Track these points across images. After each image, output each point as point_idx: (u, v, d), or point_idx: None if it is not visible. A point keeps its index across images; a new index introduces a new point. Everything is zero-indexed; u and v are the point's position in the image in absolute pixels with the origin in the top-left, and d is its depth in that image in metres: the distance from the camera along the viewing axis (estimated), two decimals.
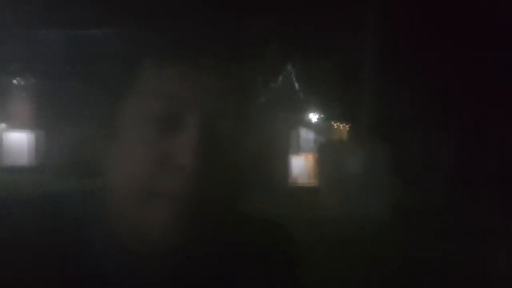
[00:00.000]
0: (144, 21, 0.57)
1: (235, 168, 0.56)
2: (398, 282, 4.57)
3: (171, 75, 0.54)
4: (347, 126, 21.33)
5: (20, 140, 13.28)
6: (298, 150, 17.51)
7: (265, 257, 0.64)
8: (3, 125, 13.95)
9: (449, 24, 12.78)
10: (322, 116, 19.69)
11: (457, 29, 12.85)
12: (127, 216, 0.56)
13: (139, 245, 0.57)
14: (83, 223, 0.59)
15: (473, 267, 5.07)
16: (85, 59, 0.59)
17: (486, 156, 12.99)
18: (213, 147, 0.54)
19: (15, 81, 13.33)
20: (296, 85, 16.94)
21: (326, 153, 9.34)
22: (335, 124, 21.50)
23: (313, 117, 19.37)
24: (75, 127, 0.62)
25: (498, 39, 12.68)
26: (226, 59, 0.57)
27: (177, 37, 0.56)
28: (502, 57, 12.76)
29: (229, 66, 0.57)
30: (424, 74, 13.43)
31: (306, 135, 19.45)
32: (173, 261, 0.58)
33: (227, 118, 0.56)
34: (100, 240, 0.59)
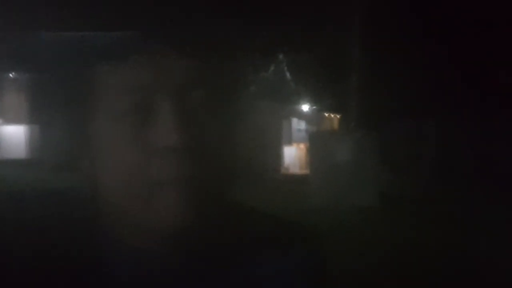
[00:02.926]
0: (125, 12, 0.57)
1: (224, 157, 0.57)
2: (389, 268, 4.61)
3: (163, 62, 0.55)
4: (338, 116, 21.32)
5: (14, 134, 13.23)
6: (289, 140, 17.50)
7: (256, 245, 0.64)
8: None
9: (436, 15, 12.79)
10: (313, 106, 19.66)
11: (445, 19, 12.87)
12: (125, 207, 0.56)
13: (140, 234, 0.58)
14: (80, 218, 0.59)
15: (461, 255, 5.12)
16: (71, 55, 0.59)
17: (474, 146, 13.06)
18: (201, 134, 0.55)
19: (11, 75, 13.22)
20: (287, 75, 16.89)
21: (317, 143, 9.35)
22: (326, 114, 21.49)
23: (304, 107, 19.34)
24: (63, 122, 0.62)
25: (484, 30, 12.71)
26: (215, 47, 0.57)
27: (166, 23, 0.56)
28: (489, 48, 12.81)
29: (219, 55, 0.58)
30: (413, 64, 13.45)
31: (298, 125, 19.42)
32: (174, 248, 0.59)
33: (215, 106, 0.57)
34: (98, 234, 0.59)
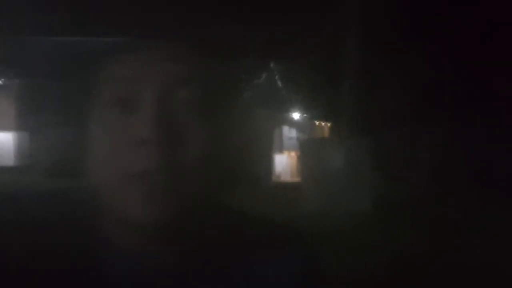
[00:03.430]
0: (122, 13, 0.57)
1: (213, 163, 0.57)
2: (382, 275, 4.61)
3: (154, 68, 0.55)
4: (329, 124, 21.41)
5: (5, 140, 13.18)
6: (280, 148, 17.54)
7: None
8: None
9: (429, 22, 12.88)
10: (304, 114, 19.73)
11: (437, 25, 12.96)
12: (114, 203, 0.56)
13: (130, 230, 0.57)
14: (72, 218, 0.59)
15: (455, 258, 5.14)
16: (62, 54, 0.59)
17: (468, 151, 13.13)
18: (195, 141, 0.55)
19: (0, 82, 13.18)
20: (279, 83, 16.93)
21: (308, 151, 9.37)
22: (317, 122, 21.57)
23: (296, 114, 19.41)
24: (54, 123, 0.62)
25: (480, 36, 12.81)
26: (207, 56, 0.58)
27: (159, 28, 0.56)
28: (484, 54, 12.91)
29: (210, 63, 0.58)
30: (405, 71, 13.54)
31: (289, 133, 19.47)
32: (163, 243, 0.59)
33: (206, 114, 0.57)
34: (89, 233, 0.59)
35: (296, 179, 12.27)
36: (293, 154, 15.84)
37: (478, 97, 13.33)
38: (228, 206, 0.65)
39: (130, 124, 0.55)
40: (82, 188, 0.60)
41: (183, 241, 0.60)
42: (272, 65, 16.07)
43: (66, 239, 0.58)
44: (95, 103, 0.57)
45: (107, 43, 0.56)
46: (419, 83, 13.80)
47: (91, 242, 0.59)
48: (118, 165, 0.55)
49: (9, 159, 12.60)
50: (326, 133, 21.78)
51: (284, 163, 16.32)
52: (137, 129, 0.54)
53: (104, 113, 0.56)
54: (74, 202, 0.61)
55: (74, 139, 0.58)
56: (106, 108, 0.56)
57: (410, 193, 10.71)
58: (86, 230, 0.59)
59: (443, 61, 13.30)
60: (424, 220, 7.45)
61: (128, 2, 0.57)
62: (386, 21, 12.18)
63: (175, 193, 0.55)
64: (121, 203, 0.55)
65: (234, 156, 0.61)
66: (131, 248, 0.58)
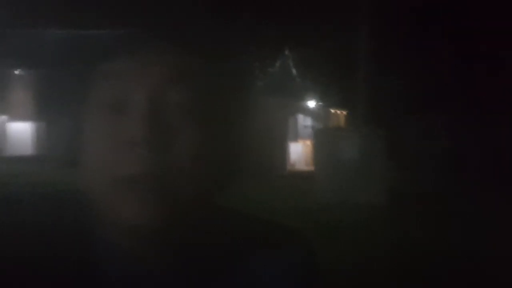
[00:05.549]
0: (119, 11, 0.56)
1: (227, 154, 0.56)
2: (395, 266, 4.61)
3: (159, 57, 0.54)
4: (344, 113, 21.32)
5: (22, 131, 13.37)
6: (295, 136, 17.52)
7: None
8: (4, 117, 14.02)
9: (444, 11, 12.75)
10: (319, 102, 19.66)
11: (453, 15, 12.82)
12: (107, 206, 0.55)
13: (124, 233, 0.56)
14: (66, 219, 0.59)
15: (468, 251, 5.12)
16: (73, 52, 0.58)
17: (482, 142, 13.02)
18: (202, 132, 0.54)
19: (17, 72, 13.33)
20: (294, 71, 16.88)
21: (323, 139, 9.35)
22: (332, 111, 21.49)
23: (311, 103, 19.35)
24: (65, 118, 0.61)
25: (492, 26, 12.67)
26: (223, 43, 0.57)
27: (161, 19, 0.55)
28: (497, 45, 12.77)
29: (225, 50, 0.57)
30: (420, 61, 13.43)
31: (304, 121, 19.43)
32: (154, 246, 0.57)
33: (221, 102, 0.56)
34: (83, 235, 0.58)
35: (311, 167, 12.26)
36: (308, 142, 15.83)
37: (495, 87, 13.18)
38: (227, 207, 0.64)
39: (123, 123, 0.53)
40: (77, 189, 0.59)
41: (177, 244, 0.58)
42: (287, 52, 16.01)
43: (58, 242, 0.57)
44: (88, 103, 0.56)
45: (124, 39, 0.55)
46: (436, 73, 13.67)
47: (85, 244, 0.57)
48: (112, 167, 0.53)
49: (27, 149, 12.76)
50: (341, 122, 21.69)
51: (299, 151, 16.32)
52: (128, 129, 0.52)
53: (97, 114, 0.55)
54: (69, 203, 0.60)
55: (76, 132, 0.57)
56: (99, 108, 0.55)
57: (426, 184, 10.65)
58: (79, 232, 0.58)
59: (459, 51, 13.15)
60: (440, 212, 7.41)
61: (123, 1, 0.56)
62: (403, 9, 12.04)
63: (176, 194, 0.53)
64: (114, 205, 0.54)
65: (250, 146, 0.60)
66: (126, 250, 0.57)
